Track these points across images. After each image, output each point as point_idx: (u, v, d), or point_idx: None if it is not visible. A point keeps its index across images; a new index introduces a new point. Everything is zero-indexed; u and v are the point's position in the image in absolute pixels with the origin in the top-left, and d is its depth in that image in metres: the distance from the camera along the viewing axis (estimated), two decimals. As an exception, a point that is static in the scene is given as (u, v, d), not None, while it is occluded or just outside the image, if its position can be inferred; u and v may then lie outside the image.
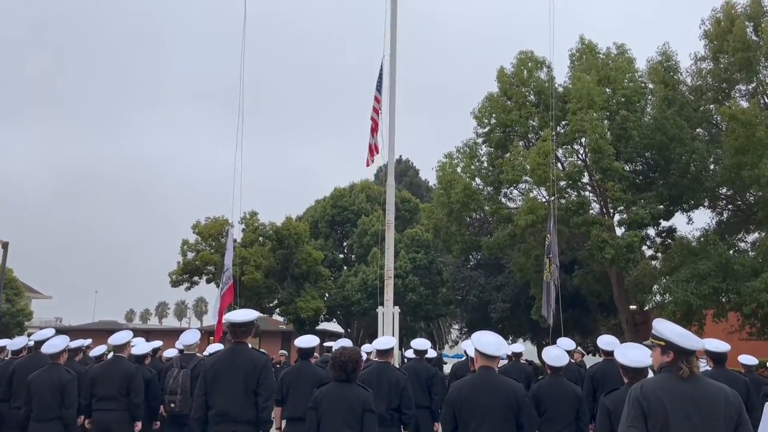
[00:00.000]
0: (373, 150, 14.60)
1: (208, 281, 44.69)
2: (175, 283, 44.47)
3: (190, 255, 44.21)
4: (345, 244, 53.21)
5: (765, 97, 29.32)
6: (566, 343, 11.58)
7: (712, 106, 30.65)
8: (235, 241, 43.95)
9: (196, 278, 44.67)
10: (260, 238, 45.63)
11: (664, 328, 4.33)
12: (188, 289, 45.06)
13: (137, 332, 18.06)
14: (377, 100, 14.34)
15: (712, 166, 30.51)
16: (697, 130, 31.35)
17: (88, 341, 14.73)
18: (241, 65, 13.64)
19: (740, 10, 28.89)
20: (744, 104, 28.43)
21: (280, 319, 52.02)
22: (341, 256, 53.57)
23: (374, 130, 14.53)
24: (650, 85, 32.33)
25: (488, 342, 6.21)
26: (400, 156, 63.99)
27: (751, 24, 28.40)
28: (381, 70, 14.43)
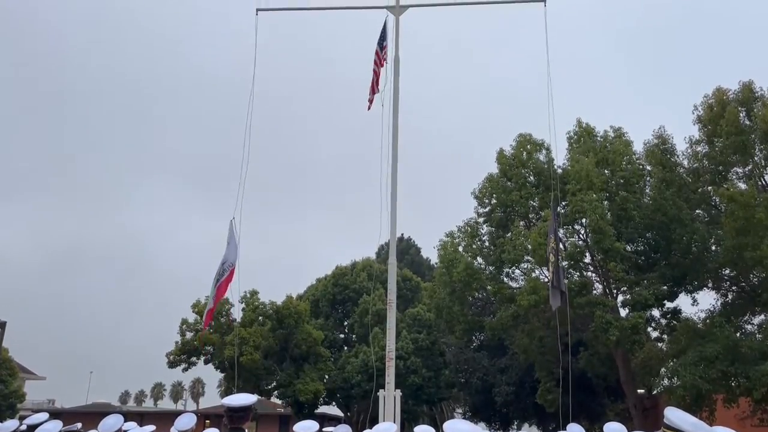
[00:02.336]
0: (373, 88, 14.64)
1: (206, 362, 43.88)
2: (172, 364, 43.67)
3: (189, 335, 43.61)
4: (346, 323, 52.59)
5: (762, 179, 29.73)
6: (576, 429, 10.97)
7: (709, 187, 31.04)
8: (235, 320, 43.54)
9: (194, 359, 43.90)
10: (260, 318, 45.17)
11: (676, 417, 4.28)
12: (185, 370, 44.20)
13: (131, 416, 17.54)
14: (377, 54, 14.47)
15: (713, 247, 30.55)
16: (697, 211, 31.61)
17: (78, 425, 14.26)
18: (245, 145, 13.83)
19: (731, 96, 29.76)
20: (742, 186, 28.80)
21: (278, 401, 50.68)
22: (342, 336, 52.81)
23: (376, 77, 14.66)
24: (648, 167, 32.88)
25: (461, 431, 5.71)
26: (402, 234, 64.33)
27: (743, 109, 29.21)
28: (384, 27, 14.58)
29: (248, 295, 45.59)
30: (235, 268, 13.70)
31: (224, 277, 13.75)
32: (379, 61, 14.53)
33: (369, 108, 14.72)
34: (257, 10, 14.97)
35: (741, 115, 28.95)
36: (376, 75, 14.61)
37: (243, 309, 44.61)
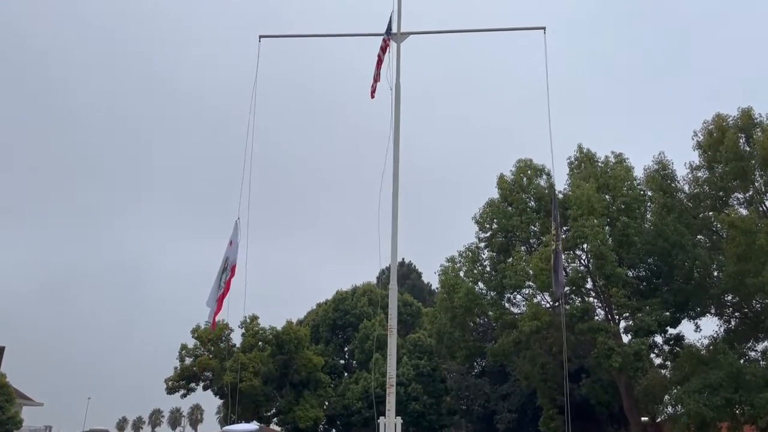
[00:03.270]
0: (377, 76, 14.85)
1: (205, 388, 43.47)
2: (171, 390, 43.26)
3: (188, 360, 43.28)
4: (346, 349, 52.19)
5: (762, 204, 29.72)
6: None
7: (710, 213, 31.02)
8: (234, 346, 43.26)
9: (192, 384, 43.50)
10: (260, 343, 44.85)
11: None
12: (184, 396, 43.78)
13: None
14: (385, 41, 14.77)
15: (715, 273, 30.43)
16: (698, 236, 31.54)
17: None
18: (247, 165, 13.82)
19: (731, 122, 29.90)
20: (742, 212, 28.79)
21: (278, 428, 50.07)
22: (342, 361, 52.38)
23: (379, 63, 14.86)
24: (649, 193, 32.89)
25: None
26: (403, 259, 64.14)
27: (743, 135, 29.32)
28: (390, 19, 14.96)
29: (248, 320, 45.34)
30: (236, 266, 13.70)
31: (227, 277, 13.72)
32: (384, 49, 14.84)
33: (372, 96, 14.96)
34: (260, 36, 15.13)
35: (740, 141, 29.06)
36: (380, 61, 14.91)
37: (243, 334, 44.33)
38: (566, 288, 31.34)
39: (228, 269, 13.65)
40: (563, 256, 32.29)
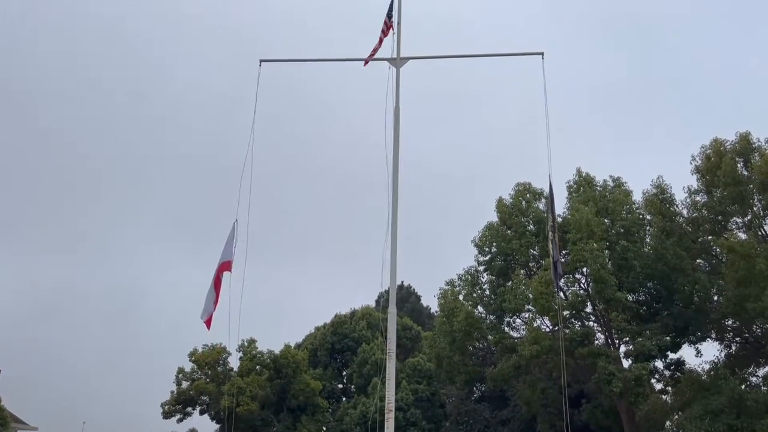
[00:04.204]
0: (374, 51, 15.22)
1: (202, 412, 43.03)
2: (167, 414, 42.82)
3: (185, 384, 42.91)
4: (344, 373, 51.77)
5: (761, 229, 29.75)
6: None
7: (709, 237, 31.03)
8: (231, 369, 42.94)
9: (189, 409, 43.07)
10: (257, 367, 44.50)
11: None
12: (180, 420, 43.32)
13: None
14: (385, 23, 15.10)
15: (715, 297, 30.36)
16: (697, 260, 31.52)
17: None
18: (250, 144, 13.75)
19: (729, 146, 30.05)
20: (741, 236, 28.82)
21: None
22: (340, 386, 51.93)
23: (380, 42, 15.15)
24: (648, 216, 32.93)
25: None
26: (402, 282, 63.93)
27: (741, 160, 29.45)
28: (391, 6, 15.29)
29: (246, 344, 45.02)
30: (231, 262, 13.72)
31: (220, 271, 13.78)
32: (386, 29, 15.21)
33: (365, 64, 15.24)
34: (260, 61, 15.27)
35: (739, 165, 29.18)
36: (380, 41, 15.34)
37: (240, 358, 44.00)
38: (566, 312, 31.21)
39: (222, 265, 13.71)
40: (563, 280, 32.22)
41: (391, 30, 15.31)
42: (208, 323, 13.83)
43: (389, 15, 15.54)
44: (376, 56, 15.41)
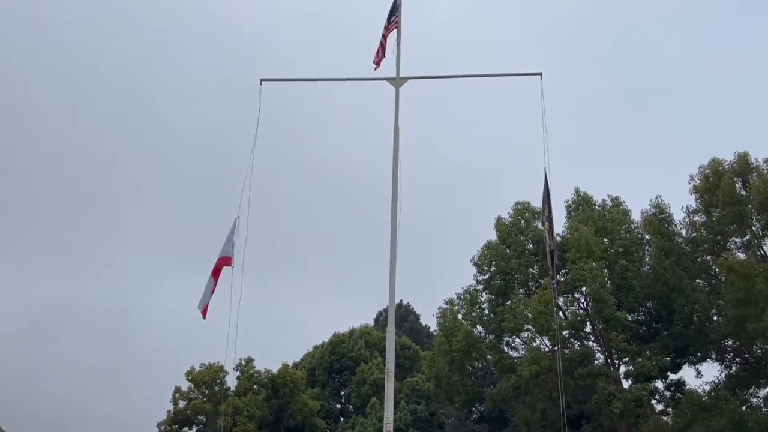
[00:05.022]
0: (379, 53, 15.38)
1: (198, 432, 42.61)
2: (163, 435, 42.40)
3: (182, 403, 42.56)
4: (343, 393, 51.40)
5: (761, 249, 29.73)
6: None
7: (708, 257, 31.00)
8: (228, 389, 42.58)
9: (186, 429, 42.67)
10: (255, 386, 44.17)
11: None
12: (176, 440, 42.87)
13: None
14: (391, 21, 15.33)
15: (715, 318, 30.26)
16: (697, 280, 31.46)
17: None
18: (245, 208, 13.81)
19: (727, 166, 30.13)
20: (741, 256, 28.79)
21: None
22: (338, 406, 51.52)
23: (384, 40, 15.29)
24: (646, 236, 32.92)
25: None
26: (401, 300, 63.69)
27: (739, 179, 29.52)
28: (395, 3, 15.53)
29: (243, 363, 44.72)
30: (232, 258, 13.74)
31: (219, 262, 13.91)
32: (389, 28, 15.46)
33: (375, 69, 15.41)
34: (261, 80, 15.36)
35: (737, 185, 29.24)
36: (384, 38, 15.50)
37: (238, 377, 43.69)
38: (565, 332, 31.09)
39: (221, 259, 13.85)
40: (561, 299, 32.14)
41: (394, 31, 15.55)
42: (204, 313, 14.00)
43: (392, 13, 15.82)
44: (375, 77, 15.51)
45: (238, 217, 13.74)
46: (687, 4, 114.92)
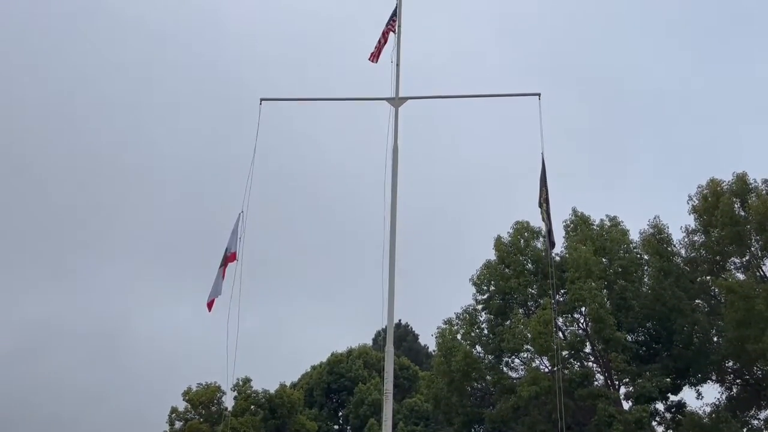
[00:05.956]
0: (379, 49, 15.65)
1: (194, 453, 42.06)
2: (159, 456, 41.90)
3: (178, 424, 42.14)
4: (340, 413, 50.94)
5: (760, 269, 29.71)
6: None
7: (708, 277, 30.98)
8: (225, 409, 42.18)
9: (182, 450, 42.16)
10: (252, 407, 43.74)
11: None
12: (173, 462, 42.35)
13: None
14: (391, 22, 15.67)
15: (715, 338, 30.15)
16: (696, 301, 31.39)
17: None
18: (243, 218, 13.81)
19: (725, 187, 30.23)
20: (740, 276, 28.77)
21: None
22: (336, 426, 51.02)
23: (384, 38, 15.64)
24: (645, 256, 32.90)
25: None
26: (399, 320, 63.41)
27: (738, 200, 29.60)
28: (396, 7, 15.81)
29: (240, 383, 44.32)
30: (237, 252, 14.09)
31: (226, 258, 14.18)
32: (389, 27, 15.64)
33: (375, 61, 15.77)
34: (261, 99, 15.44)
35: (736, 205, 29.31)
36: (384, 36, 15.74)
37: (235, 397, 43.29)
38: (564, 352, 30.91)
39: (228, 255, 14.14)
40: (560, 319, 32.02)
41: (392, 33, 15.73)
42: (209, 305, 14.19)
43: (392, 16, 16.02)
44: (373, 96, 15.62)
45: (242, 211, 14.05)
46: (676, 23, 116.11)
